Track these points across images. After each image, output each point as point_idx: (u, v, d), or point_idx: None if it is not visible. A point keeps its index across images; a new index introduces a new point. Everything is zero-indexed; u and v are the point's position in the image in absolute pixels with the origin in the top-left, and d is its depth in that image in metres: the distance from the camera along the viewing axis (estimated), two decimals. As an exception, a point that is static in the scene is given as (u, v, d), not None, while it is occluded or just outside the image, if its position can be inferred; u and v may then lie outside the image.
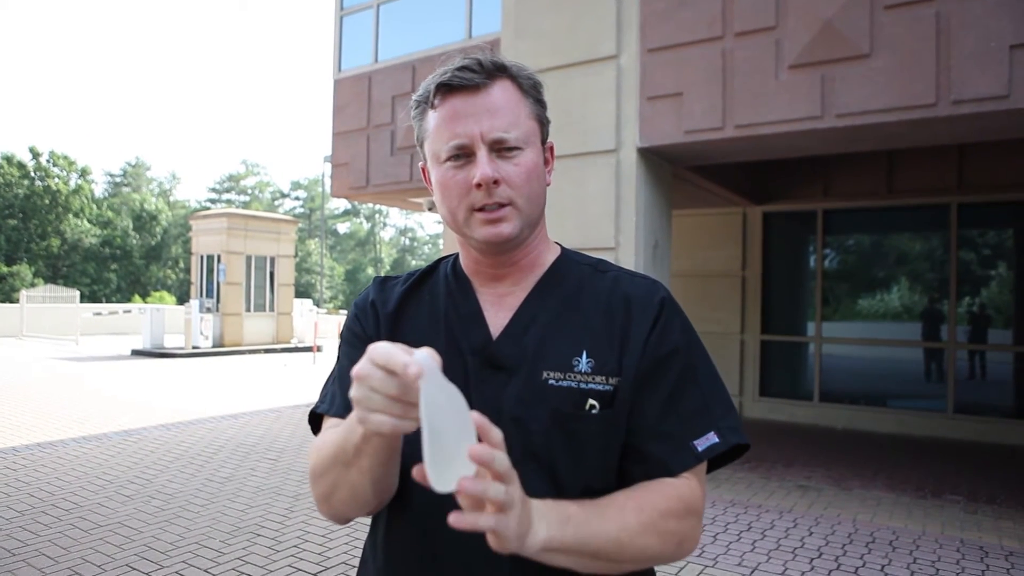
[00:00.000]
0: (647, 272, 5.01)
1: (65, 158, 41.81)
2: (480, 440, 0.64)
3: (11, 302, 27.53)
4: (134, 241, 44.46)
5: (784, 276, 8.56)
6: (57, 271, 40.36)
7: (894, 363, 8.03)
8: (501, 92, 0.91)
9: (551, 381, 0.91)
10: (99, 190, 47.36)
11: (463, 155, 0.90)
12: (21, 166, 39.87)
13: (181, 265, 45.45)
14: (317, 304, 31.10)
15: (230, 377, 12.06)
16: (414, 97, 0.96)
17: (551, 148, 1.00)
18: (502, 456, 0.64)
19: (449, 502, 0.65)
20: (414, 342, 0.77)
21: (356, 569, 1.48)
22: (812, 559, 3.89)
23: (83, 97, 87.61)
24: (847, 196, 7.90)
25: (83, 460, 5.88)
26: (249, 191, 55.20)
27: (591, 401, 0.90)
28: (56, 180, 40.78)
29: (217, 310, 16.54)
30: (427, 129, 0.94)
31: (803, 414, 8.14)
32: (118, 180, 50.57)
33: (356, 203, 37.48)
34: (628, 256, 4.94)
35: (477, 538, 0.69)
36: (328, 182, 19.74)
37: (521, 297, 0.98)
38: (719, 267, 8.63)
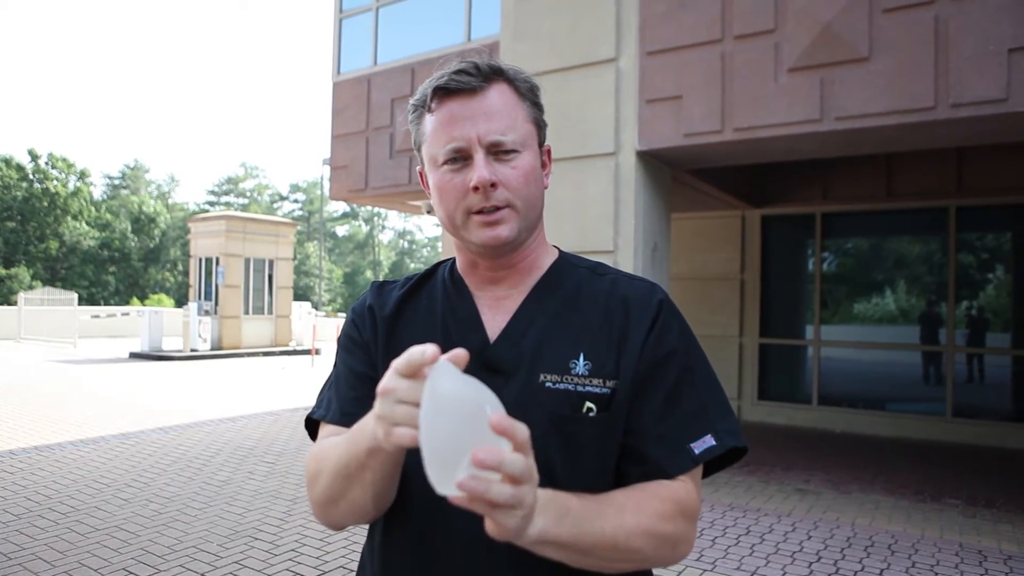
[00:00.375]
0: (646, 275, 5.01)
1: (64, 160, 41.83)
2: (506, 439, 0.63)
3: (9, 304, 27.49)
4: (132, 244, 44.42)
5: (783, 279, 8.57)
6: (55, 273, 40.32)
7: (893, 366, 8.03)
8: (498, 95, 0.91)
9: (548, 384, 0.90)
10: (98, 192, 47.41)
11: (460, 158, 0.90)
12: (20, 168, 39.86)
13: (179, 268, 45.40)
14: (316, 307, 31.14)
15: (228, 380, 12.04)
16: (411, 101, 0.96)
17: (548, 151, 1.00)
18: (513, 459, 0.62)
19: (447, 507, 0.65)
20: (411, 345, 0.76)
21: (354, 573, 1.48)
22: (811, 563, 3.88)
23: (82, 99, 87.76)
24: (846, 199, 7.90)
25: (80, 463, 5.86)
26: (248, 194, 55.20)
27: (588, 404, 0.90)
28: (55, 182, 40.78)
29: (215, 313, 16.52)
30: (424, 133, 0.94)
31: (802, 417, 8.14)
32: (117, 182, 50.62)
33: (355, 206, 37.47)
34: (627, 259, 4.93)
35: (474, 543, 0.68)
36: (327, 185, 19.77)
37: (519, 300, 0.97)
38: (718, 270, 8.64)
